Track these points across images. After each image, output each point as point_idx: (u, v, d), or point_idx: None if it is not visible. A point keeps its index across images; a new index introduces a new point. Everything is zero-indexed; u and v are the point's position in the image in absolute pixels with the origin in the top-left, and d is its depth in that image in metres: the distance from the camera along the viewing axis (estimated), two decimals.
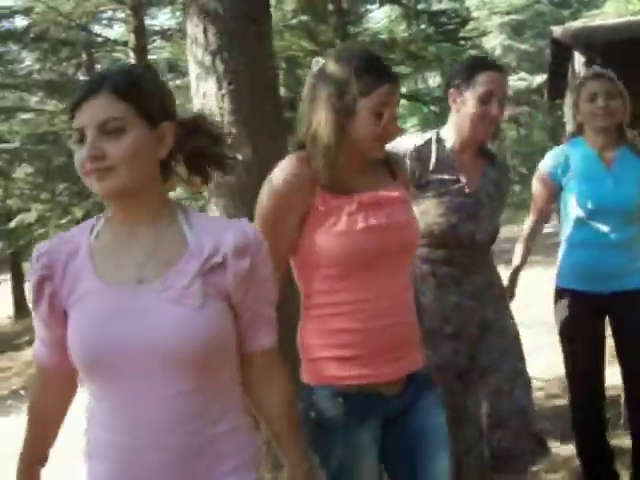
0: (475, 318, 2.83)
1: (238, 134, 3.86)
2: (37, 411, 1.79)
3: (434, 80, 40.94)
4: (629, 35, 13.77)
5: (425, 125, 34.92)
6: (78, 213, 17.46)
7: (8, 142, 20.40)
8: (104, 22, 20.23)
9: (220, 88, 3.84)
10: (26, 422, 1.79)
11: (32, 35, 17.99)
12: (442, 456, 2.24)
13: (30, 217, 17.67)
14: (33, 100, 22.45)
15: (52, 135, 24.90)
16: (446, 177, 2.79)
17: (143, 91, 1.60)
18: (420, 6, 17.46)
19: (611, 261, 3.18)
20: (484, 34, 24.60)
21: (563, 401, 4.28)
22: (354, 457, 2.12)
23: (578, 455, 3.50)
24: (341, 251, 2.04)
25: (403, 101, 25.20)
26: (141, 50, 15.45)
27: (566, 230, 3.34)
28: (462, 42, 18.22)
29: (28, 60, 22.83)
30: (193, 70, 3.99)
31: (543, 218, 3.44)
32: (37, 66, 22.03)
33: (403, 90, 37.53)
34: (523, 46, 42.56)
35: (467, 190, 2.81)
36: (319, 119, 2.08)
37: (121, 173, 1.55)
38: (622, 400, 4.29)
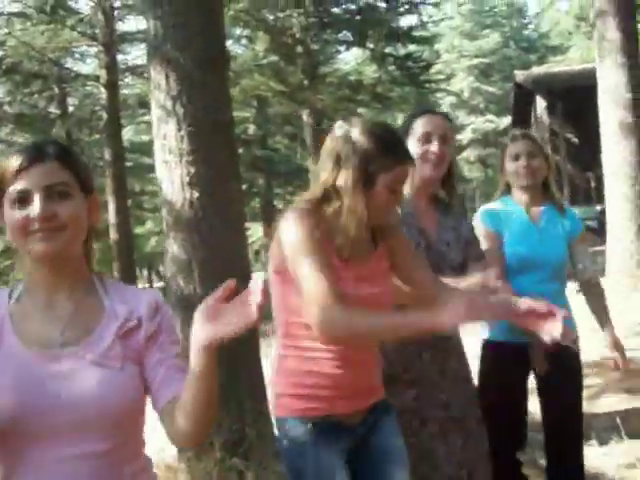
0: (434, 366, 2.85)
1: (196, 173, 4.10)
2: None
3: (401, 120, 41.66)
4: (588, 82, 14.31)
5: None
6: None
7: None
8: (76, 57, 20.39)
9: (179, 130, 4.08)
10: None
11: (4, 67, 18.08)
12: (401, 473, 2.38)
13: None
14: (4, 132, 22.42)
15: None
16: (408, 231, 2.75)
17: (79, 163, 1.71)
18: (387, 49, 17.78)
19: None
20: (449, 78, 25.15)
21: None
22: (326, 472, 2.25)
23: None
24: None
25: None
26: (112, 86, 15.63)
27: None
28: (427, 85, 18.72)
29: None
30: (155, 112, 4.23)
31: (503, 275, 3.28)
32: (8, 98, 22.14)
33: None
34: (491, 89, 43.39)
35: (428, 242, 2.85)
36: (345, 183, 2.19)
37: (68, 234, 1.62)
38: None
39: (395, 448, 2.39)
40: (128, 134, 24.83)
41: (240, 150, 27.27)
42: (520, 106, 21.01)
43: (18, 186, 1.62)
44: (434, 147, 2.78)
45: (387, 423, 2.40)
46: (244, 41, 19.05)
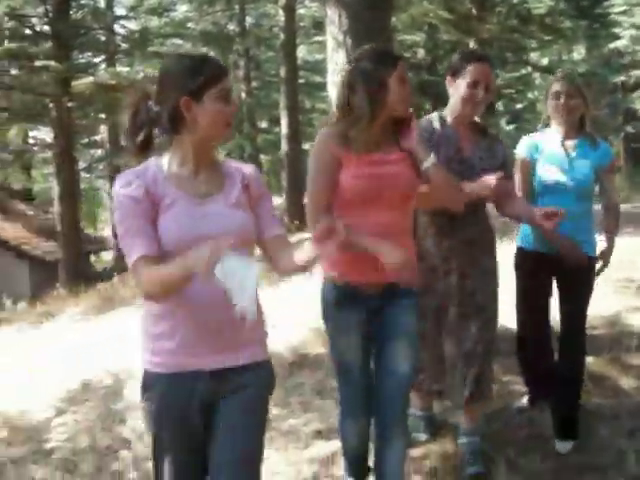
0: (466, 259, 3.42)
1: None
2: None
3: (579, 53, 40.14)
4: None
5: None
6: (221, 154, 19.05)
7: None
8: None
9: (348, 58, 5.01)
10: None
11: None
12: (403, 343, 2.93)
13: None
14: (186, 47, 23.86)
15: None
16: (445, 147, 3.35)
17: None
18: None
19: (562, 229, 3.58)
20: (625, 12, 24.19)
21: None
22: (341, 328, 2.93)
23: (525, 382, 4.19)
24: (351, 188, 2.82)
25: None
26: (290, 9, 16.52)
27: (532, 201, 3.82)
28: (600, 19, 18.45)
29: (184, 8, 24.47)
30: (329, 43, 5.17)
31: (527, 194, 3.85)
32: (192, 14, 23.65)
33: (544, 61, 37.04)
34: None
35: (462, 156, 3.40)
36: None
37: None
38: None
39: (402, 325, 2.95)
40: (301, 52, 25.76)
41: (409, 74, 27.73)
42: None
43: (224, 85, 2.25)
44: (480, 94, 3.32)
45: (402, 304, 2.95)
46: None
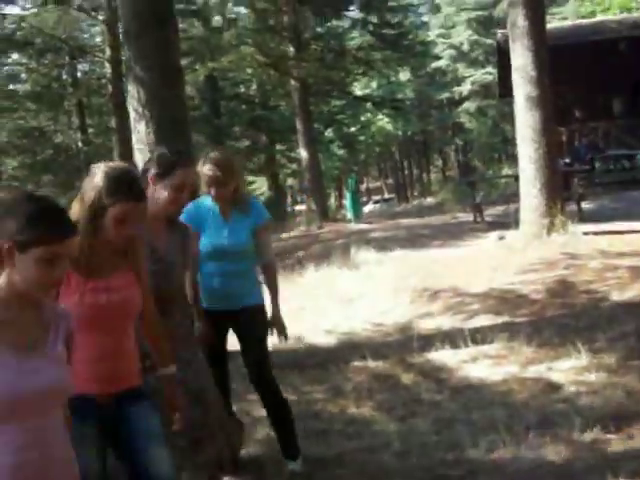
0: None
1: None
2: None
3: (405, 75, 42.35)
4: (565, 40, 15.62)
5: (396, 117, 36.56)
6: (62, 202, 19.10)
7: None
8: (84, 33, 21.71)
9: (148, 127, 5.69)
10: None
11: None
12: (157, 448, 2.88)
13: None
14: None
15: (37, 130, 26.56)
16: (146, 250, 3.18)
17: None
18: (369, 17, 19.00)
19: (231, 286, 4.12)
20: (431, 42, 26.01)
21: None
22: (79, 438, 2.58)
23: None
24: (75, 316, 2.40)
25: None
26: (116, 62, 16.80)
27: (202, 264, 4.19)
28: (409, 50, 19.97)
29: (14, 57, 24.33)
30: (132, 114, 5.83)
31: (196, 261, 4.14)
32: (23, 68, 23.65)
33: (373, 85, 38.65)
34: (490, 41, 43.96)
35: (158, 256, 3.45)
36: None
37: None
38: None
39: (147, 428, 2.90)
40: None
41: (243, 107, 28.54)
42: (502, 62, 21.78)
43: (54, 250, 2.03)
44: (184, 198, 3.58)
45: (140, 407, 2.91)
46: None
